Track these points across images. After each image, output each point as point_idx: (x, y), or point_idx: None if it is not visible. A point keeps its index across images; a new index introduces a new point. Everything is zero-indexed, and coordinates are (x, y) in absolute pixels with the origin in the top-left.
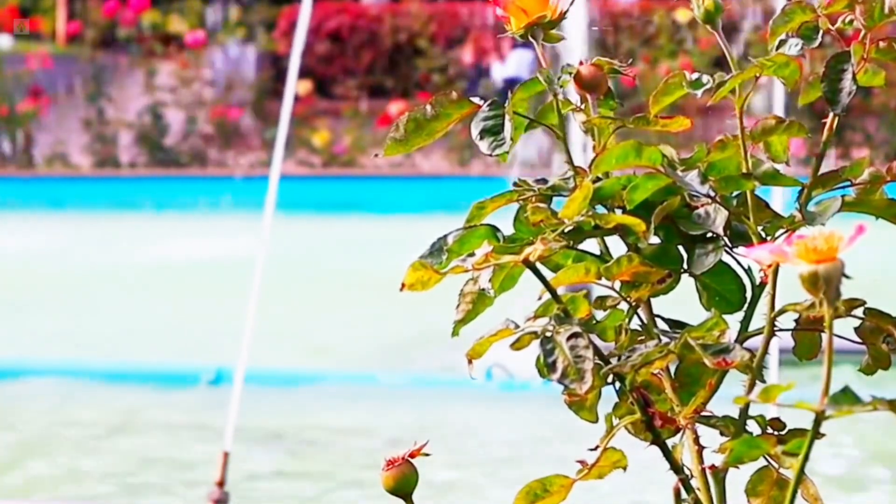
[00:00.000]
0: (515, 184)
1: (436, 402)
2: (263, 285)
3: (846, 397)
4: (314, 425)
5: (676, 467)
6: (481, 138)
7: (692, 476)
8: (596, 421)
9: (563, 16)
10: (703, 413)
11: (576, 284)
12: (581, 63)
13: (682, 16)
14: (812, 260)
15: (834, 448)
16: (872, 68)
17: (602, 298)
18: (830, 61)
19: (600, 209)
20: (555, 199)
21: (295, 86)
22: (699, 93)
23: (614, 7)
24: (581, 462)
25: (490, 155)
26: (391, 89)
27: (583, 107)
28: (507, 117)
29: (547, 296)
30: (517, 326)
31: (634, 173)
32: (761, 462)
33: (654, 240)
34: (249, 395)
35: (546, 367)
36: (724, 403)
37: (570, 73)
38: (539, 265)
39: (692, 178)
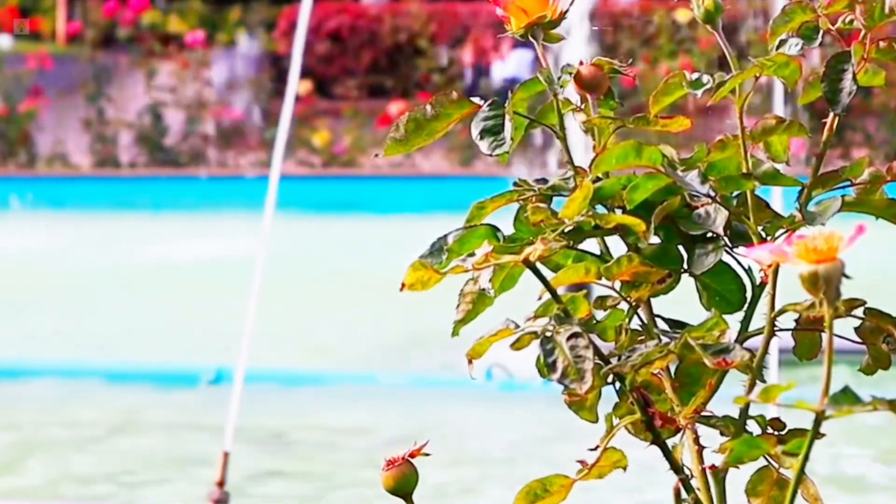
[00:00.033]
0: (515, 184)
1: (436, 402)
2: (263, 285)
3: (846, 397)
4: (314, 425)
5: (676, 467)
6: (481, 138)
7: (692, 476)
8: (596, 421)
9: (563, 16)
10: (703, 413)
11: (576, 284)
12: (581, 63)
13: (682, 16)
14: (812, 260)
15: (834, 448)
16: (872, 68)
17: (602, 298)
18: (831, 61)
19: (600, 209)
20: (555, 199)
21: (296, 86)
22: (699, 93)
23: (614, 7)
24: (581, 462)
25: (490, 155)
26: (391, 89)
27: (583, 107)
28: (507, 117)
29: (547, 296)
30: (517, 326)
31: (634, 173)
32: (761, 462)
33: (654, 240)
34: (249, 395)
35: (546, 367)
36: (724, 403)
37: (571, 73)
38: (539, 265)
39: (692, 178)
